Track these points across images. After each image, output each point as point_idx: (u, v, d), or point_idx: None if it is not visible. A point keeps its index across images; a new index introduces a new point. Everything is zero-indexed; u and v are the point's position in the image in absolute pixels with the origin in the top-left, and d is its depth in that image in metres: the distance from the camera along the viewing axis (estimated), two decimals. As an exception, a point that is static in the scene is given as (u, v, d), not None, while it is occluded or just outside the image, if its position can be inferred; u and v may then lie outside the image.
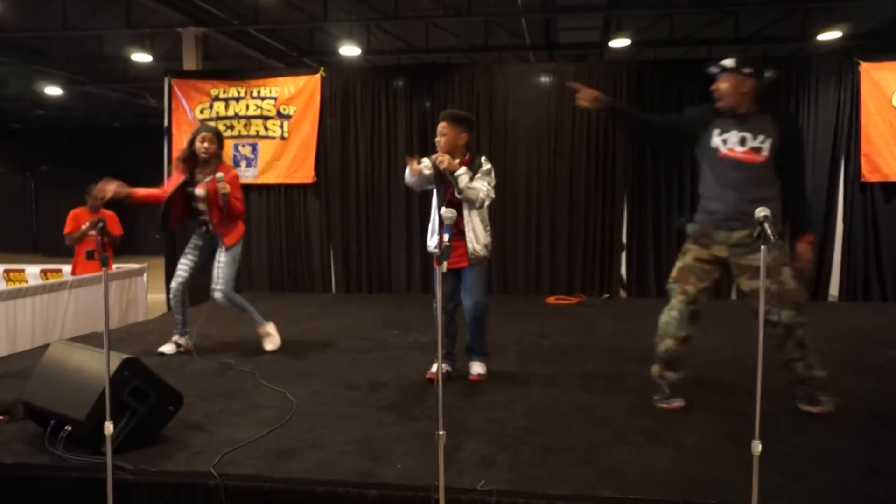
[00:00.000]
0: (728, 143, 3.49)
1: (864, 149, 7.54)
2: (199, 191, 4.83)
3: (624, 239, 8.07)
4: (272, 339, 5.14)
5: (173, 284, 5.06)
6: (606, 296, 7.85)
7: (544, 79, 8.22)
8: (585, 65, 9.05)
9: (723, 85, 3.48)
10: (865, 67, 7.55)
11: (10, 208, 20.25)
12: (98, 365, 3.02)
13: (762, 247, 2.43)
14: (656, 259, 7.99)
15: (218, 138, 4.89)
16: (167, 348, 5.08)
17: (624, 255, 8.10)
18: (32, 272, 8.33)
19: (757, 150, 3.45)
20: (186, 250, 5.07)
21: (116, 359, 3.03)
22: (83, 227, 6.55)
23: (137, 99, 15.15)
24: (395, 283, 8.44)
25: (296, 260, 8.58)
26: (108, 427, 2.68)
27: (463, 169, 3.99)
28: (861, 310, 7.14)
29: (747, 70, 3.44)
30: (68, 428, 3.02)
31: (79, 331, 6.20)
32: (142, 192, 4.88)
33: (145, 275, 7.73)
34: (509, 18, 10.03)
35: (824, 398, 3.57)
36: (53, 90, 14.26)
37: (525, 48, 11.14)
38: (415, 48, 11.28)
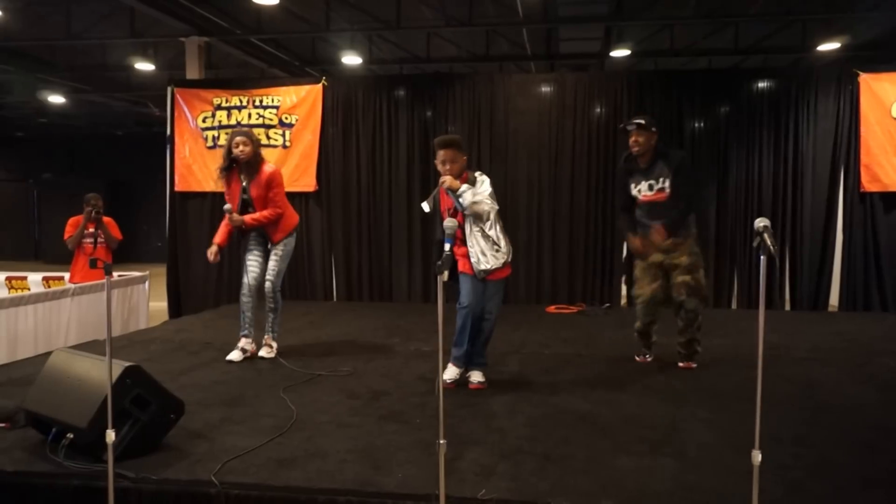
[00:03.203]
0: (642, 191, 4.67)
1: (864, 159, 7.57)
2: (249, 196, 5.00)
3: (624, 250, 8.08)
4: (270, 351, 5.16)
5: (248, 280, 5.01)
6: (607, 305, 7.86)
7: (545, 88, 8.26)
8: (586, 75, 9.07)
9: (640, 138, 4.55)
10: (865, 79, 7.59)
11: (12, 216, 20.28)
12: (100, 373, 3.03)
13: (761, 257, 2.49)
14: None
15: (251, 139, 4.92)
16: (234, 355, 5.03)
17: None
18: (34, 279, 8.32)
19: (661, 189, 4.62)
20: (250, 247, 5.10)
21: (118, 367, 3.04)
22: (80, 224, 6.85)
23: (140, 108, 15.18)
24: (397, 291, 8.46)
25: (297, 268, 8.58)
26: (110, 435, 2.69)
27: (464, 186, 4.18)
28: (861, 319, 7.15)
29: (654, 128, 4.56)
30: (70, 436, 3.03)
31: (81, 338, 6.20)
32: (225, 229, 5.04)
33: (147, 283, 7.74)
34: (510, 28, 10.06)
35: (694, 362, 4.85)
36: (56, 98, 14.30)
37: (526, 58, 11.18)
38: (416, 57, 11.32)
